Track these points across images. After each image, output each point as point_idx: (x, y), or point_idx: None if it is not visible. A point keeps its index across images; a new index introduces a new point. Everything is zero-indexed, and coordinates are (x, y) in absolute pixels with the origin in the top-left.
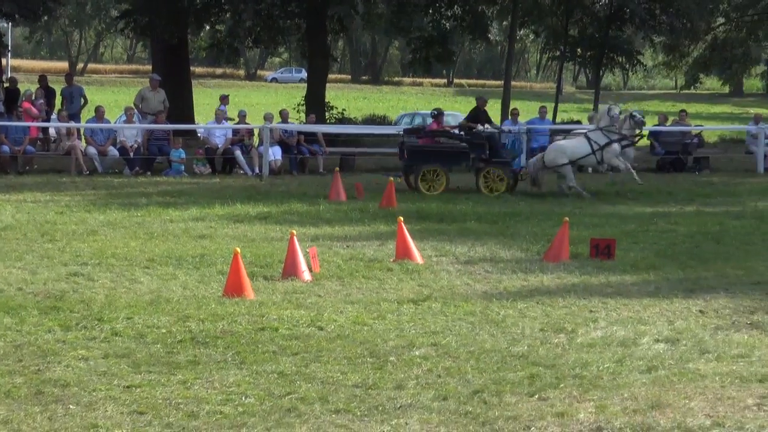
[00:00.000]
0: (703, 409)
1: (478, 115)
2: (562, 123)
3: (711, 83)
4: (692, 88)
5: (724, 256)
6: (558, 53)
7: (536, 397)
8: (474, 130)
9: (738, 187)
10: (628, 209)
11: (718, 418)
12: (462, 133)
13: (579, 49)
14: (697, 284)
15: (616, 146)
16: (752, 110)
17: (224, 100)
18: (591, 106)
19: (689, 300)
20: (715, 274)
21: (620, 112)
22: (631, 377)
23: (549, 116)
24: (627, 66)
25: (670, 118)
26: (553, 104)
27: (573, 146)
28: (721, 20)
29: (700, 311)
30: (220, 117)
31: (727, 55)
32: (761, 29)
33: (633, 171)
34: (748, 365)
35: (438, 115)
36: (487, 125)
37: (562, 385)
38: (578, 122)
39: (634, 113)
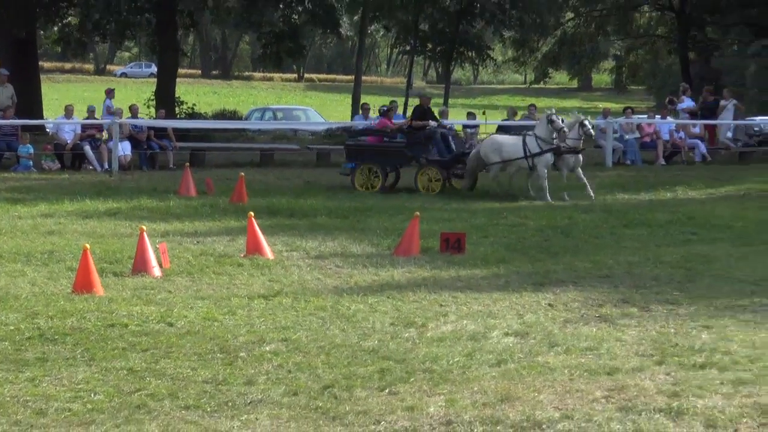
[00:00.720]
0: (552, 401)
1: (424, 113)
2: None
3: (560, 78)
4: (541, 82)
5: (573, 250)
6: (408, 48)
7: (386, 391)
8: (428, 127)
9: (588, 181)
10: (477, 203)
11: (566, 411)
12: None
13: (429, 44)
14: (547, 278)
15: (548, 156)
16: (601, 105)
17: (110, 93)
18: (441, 101)
19: (538, 293)
20: (564, 268)
21: (563, 121)
22: (481, 371)
23: (400, 111)
24: (477, 61)
25: (520, 113)
26: (403, 99)
27: (509, 145)
28: (570, 15)
29: (549, 305)
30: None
31: (576, 50)
32: (609, 24)
33: (587, 183)
34: (597, 358)
35: (388, 110)
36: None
37: (412, 380)
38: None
39: (584, 122)
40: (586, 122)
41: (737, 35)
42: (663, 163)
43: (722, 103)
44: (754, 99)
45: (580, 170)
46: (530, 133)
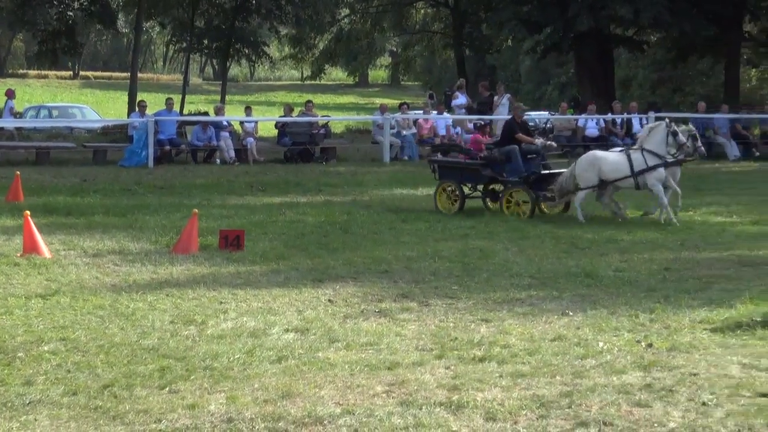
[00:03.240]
0: (333, 397)
1: (513, 127)
2: (190, 114)
3: (337, 74)
4: (318, 78)
5: (352, 246)
6: (184, 45)
7: (167, 389)
8: (536, 146)
9: (365, 177)
10: (256, 200)
11: (347, 406)
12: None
13: (205, 41)
14: (326, 273)
15: (661, 171)
16: (378, 100)
17: (10, 94)
18: (218, 98)
19: (318, 289)
20: (344, 263)
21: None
22: (262, 367)
23: (176, 108)
24: (253, 57)
25: (297, 109)
26: (180, 96)
27: (610, 163)
28: (346, 12)
29: (329, 300)
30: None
31: (353, 47)
32: (385, 20)
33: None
34: (377, 353)
35: (483, 126)
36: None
37: (192, 377)
38: (206, 113)
39: (696, 134)
40: (696, 133)
41: (511, 31)
42: None
43: (497, 98)
44: (528, 94)
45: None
46: (634, 147)
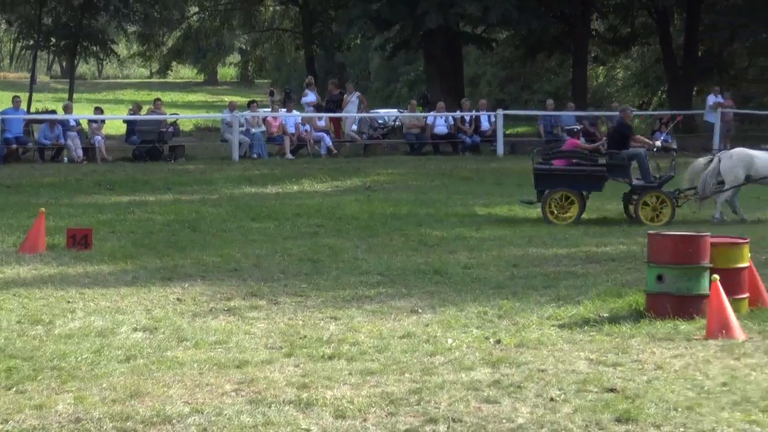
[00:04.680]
0: (182, 396)
1: (627, 130)
2: (37, 113)
3: (186, 72)
4: (168, 76)
5: (201, 244)
6: (31, 42)
7: (14, 390)
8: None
9: (214, 175)
10: (105, 199)
11: (196, 405)
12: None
13: (53, 38)
14: (175, 272)
15: None
16: (227, 98)
17: None
18: (66, 96)
19: (167, 288)
20: (193, 262)
21: None
22: (110, 367)
23: (23, 106)
24: (101, 55)
25: (145, 107)
26: (27, 94)
27: (764, 160)
28: (195, 9)
29: (178, 299)
30: None
31: (202, 45)
32: (235, 18)
33: None
34: (226, 351)
35: (578, 131)
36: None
37: (40, 377)
38: (53, 111)
39: None
40: None
41: (361, 29)
42: (290, 156)
43: (346, 96)
44: (377, 92)
45: None
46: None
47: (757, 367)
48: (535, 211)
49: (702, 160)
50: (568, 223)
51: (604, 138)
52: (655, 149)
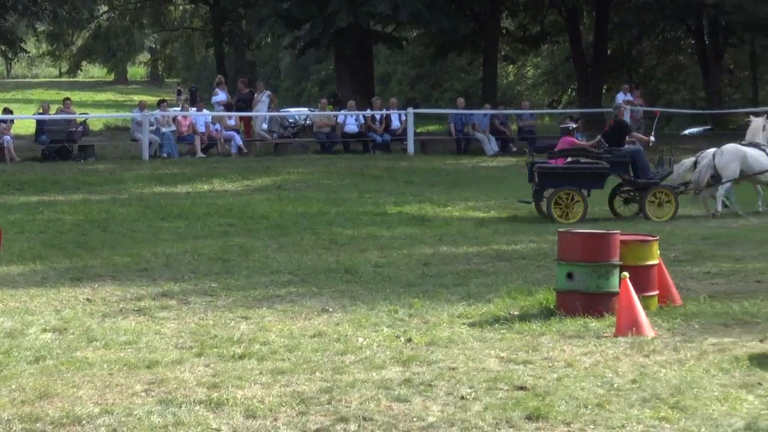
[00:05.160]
0: (92, 397)
1: (626, 128)
2: None
3: (95, 71)
4: (76, 75)
5: (111, 244)
6: None
7: None
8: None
9: (124, 174)
10: (13, 199)
11: (106, 406)
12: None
13: None
14: (85, 273)
15: None
16: (137, 97)
17: None
18: None
19: (77, 288)
20: (103, 262)
21: None
22: (19, 368)
23: None
24: (10, 55)
25: (54, 107)
26: None
27: (755, 156)
28: (104, 8)
29: (88, 299)
30: None
31: (111, 44)
32: (144, 17)
33: None
34: (136, 352)
35: (574, 129)
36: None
37: None
38: None
39: None
40: None
41: (271, 27)
42: (201, 155)
43: (257, 95)
44: (288, 91)
45: None
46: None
47: (666, 364)
48: (445, 209)
49: (687, 161)
50: (572, 221)
51: (600, 136)
52: (650, 144)
